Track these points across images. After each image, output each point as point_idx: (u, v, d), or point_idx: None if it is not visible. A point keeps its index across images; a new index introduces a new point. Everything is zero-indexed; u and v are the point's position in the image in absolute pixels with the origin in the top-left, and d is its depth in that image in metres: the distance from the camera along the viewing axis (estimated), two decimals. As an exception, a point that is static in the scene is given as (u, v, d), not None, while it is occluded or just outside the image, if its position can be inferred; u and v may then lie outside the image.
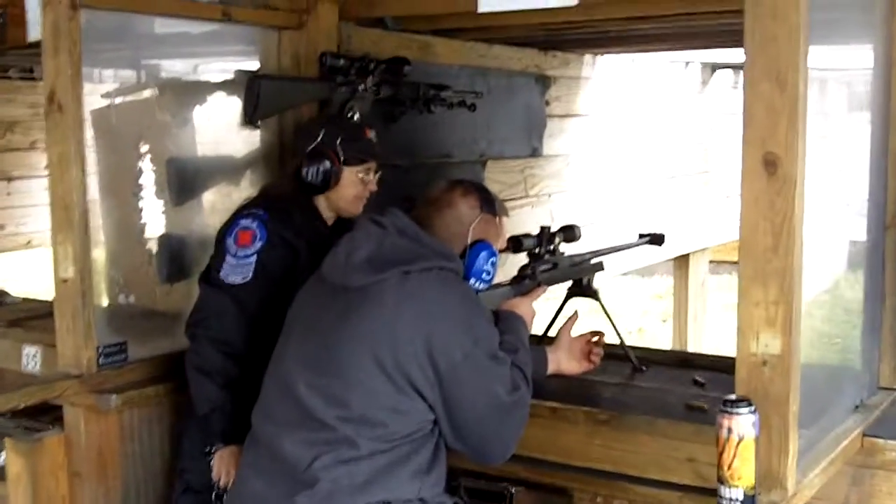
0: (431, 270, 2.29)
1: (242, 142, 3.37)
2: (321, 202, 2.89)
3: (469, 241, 2.45)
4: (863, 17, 2.59)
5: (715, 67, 6.60)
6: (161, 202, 3.21)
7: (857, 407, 2.60)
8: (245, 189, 3.36)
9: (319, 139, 2.83)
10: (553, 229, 2.85)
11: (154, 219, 3.21)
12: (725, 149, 6.79)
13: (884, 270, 2.70)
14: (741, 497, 1.89)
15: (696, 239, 6.38)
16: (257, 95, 3.05)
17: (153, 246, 3.21)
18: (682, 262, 6.71)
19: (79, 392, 2.75)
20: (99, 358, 2.80)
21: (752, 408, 1.87)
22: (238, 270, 2.72)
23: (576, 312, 2.94)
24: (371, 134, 2.93)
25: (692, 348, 6.57)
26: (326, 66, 3.26)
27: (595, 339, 2.92)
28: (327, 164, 2.81)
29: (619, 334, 3.14)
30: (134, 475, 2.90)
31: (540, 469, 2.80)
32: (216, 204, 3.29)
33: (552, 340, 2.97)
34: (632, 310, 9.61)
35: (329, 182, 2.83)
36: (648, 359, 3.20)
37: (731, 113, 6.85)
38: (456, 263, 2.37)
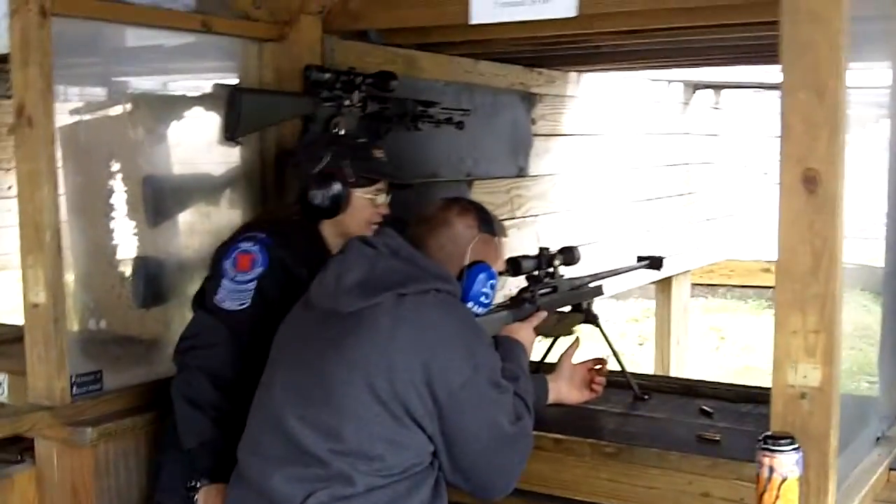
0: (428, 293, 2.15)
1: (222, 159, 3.21)
2: (327, 229, 2.69)
3: (466, 263, 2.30)
4: (881, 30, 2.48)
5: (696, 87, 6.53)
6: (135, 223, 3.03)
7: (878, 439, 2.47)
8: (225, 209, 3.20)
9: (326, 161, 2.65)
10: (551, 251, 2.71)
11: (128, 240, 3.03)
12: (707, 170, 6.73)
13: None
14: (784, 540, 1.75)
15: (679, 262, 6.27)
16: (239, 110, 2.90)
17: (127, 269, 3.03)
18: (664, 284, 6.61)
19: (51, 425, 2.57)
20: (72, 388, 2.63)
21: (796, 445, 1.74)
22: (235, 296, 2.54)
23: (577, 339, 2.80)
24: (379, 153, 2.76)
25: (674, 372, 6.47)
26: (311, 80, 3.11)
27: (597, 366, 2.78)
28: (337, 186, 2.63)
29: (619, 361, 3.00)
30: (110, 513, 2.71)
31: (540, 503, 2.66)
32: (195, 225, 3.12)
33: (550, 367, 2.83)
34: (608, 333, 9.50)
35: (339, 206, 2.64)
36: (649, 386, 3.08)
37: (712, 134, 6.80)
38: (453, 285, 2.23)
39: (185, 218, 3.13)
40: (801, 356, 1.84)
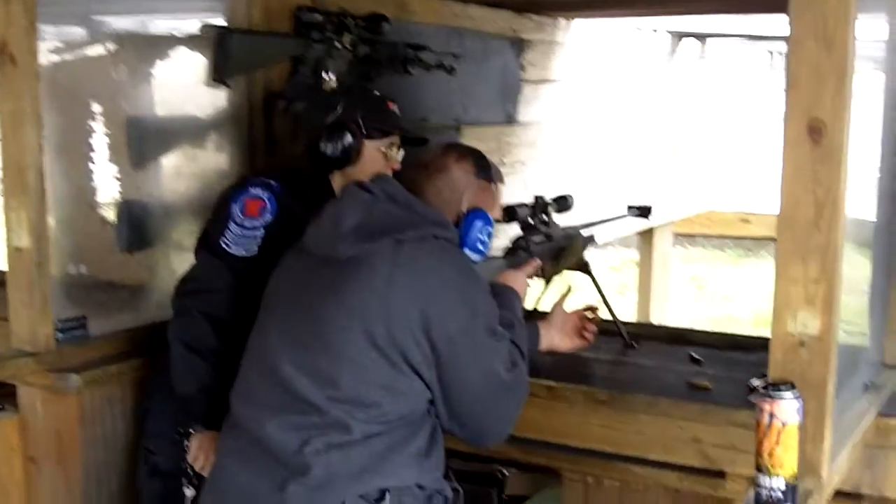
0: (426, 239, 2.11)
1: (208, 101, 3.14)
2: (338, 180, 2.63)
3: (463, 209, 2.27)
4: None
5: (681, 36, 6.48)
6: (119, 166, 2.98)
7: (867, 386, 2.48)
8: (212, 152, 3.15)
9: (339, 111, 2.60)
10: (546, 199, 2.69)
11: (112, 184, 2.98)
12: (691, 121, 6.70)
13: (892, 247, 2.57)
14: (783, 486, 1.75)
15: (662, 212, 6.26)
16: (228, 51, 2.84)
17: (111, 213, 2.98)
18: (646, 234, 6.60)
19: (35, 371, 2.54)
20: (56, 334, 2.59)
21: (797, 392, 1.73)
22: (242, 242, 2.49)
23: (569, 287, 2.79)
24: (394, 107, 2.70)
25: (655, 321, 6.48)
26: (302, 22, 3.05)
27: (588, 314, 2.76)
28: (348, 137, 2.58)
29: (610, 309, 3.00)
30: (95, 460, 2.69)
31: (533, 450, 2.68)
32: (181, 168, 3.08)
33: (542, 315, 2.82)
34: (587, 281, 9.54)
35: (350, 157, 2.59)
36: (638, 334, 3.09)
37: (697, 84, 6.77)
38: (451, 232, 2.20)
39: (170, 161, 3.09)
40: (801, 305, 1.83)
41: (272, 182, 2.55)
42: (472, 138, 4.19)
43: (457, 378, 2.06)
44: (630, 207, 3.04)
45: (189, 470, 2.49)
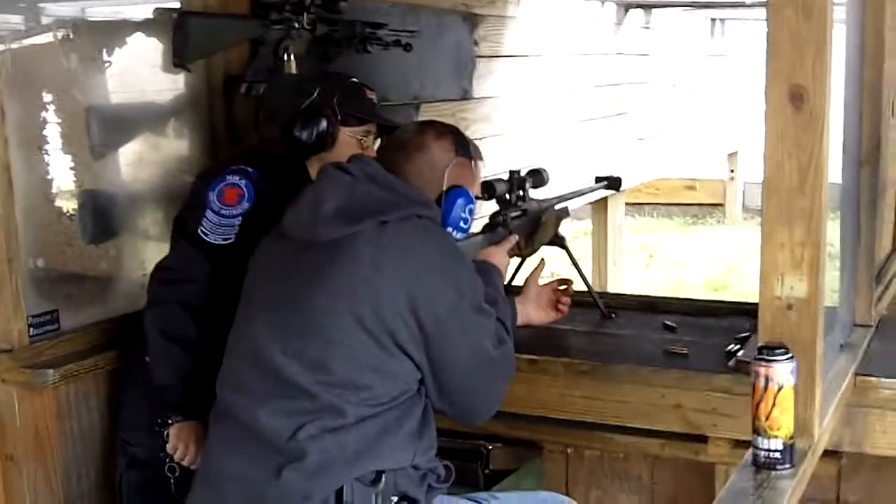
0: (409, 219, 2.10)
1: (167, 87, 3.09)
2: (314, 166, 2.60)
3: (444, 187, 2.25)
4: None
5: (628, 7, 6.52)
6: (80, 156, 2.91)
7: (842, 346, 2.53)
8: (173, 138, 3.09)
9: (315, 96, 2.57)
10: (521, 174, 2.69)
11: (74, 174, 2.91)
12: (639, 90, 6.75)
13: (859, 209, 2.61)
14: (780, 447, 1.79)
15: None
16: (188, 35, 2.78)
17: (74, 204, 2.92)
18: (600, 205, 6.65)
19: (10, 368, 2.48)
20: (29, 329, 2.54)
21: (790, 355, 1.75)
22: (220, 230, 2.45)
23: (542, 260, 2.79)
24: (372, 95, 2.68)
25: (611, 290, 6.54)
26: (260, 3, 3.00)
27: (563, 287, 2.77)
28: (323, 123, 2.55)
29: (586, 281, 3.02)
30: (74, 454, 2.64)
31: (515, 424, 2.71)
32: (143, 155, 3.01)
33: (516, 289, 2.82)
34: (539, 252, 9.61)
35: (324, 143, 2.57)
36: (612, 304, 3.10)
37: (643, 53, 6.82)
38: (434, 211, 2.19)
39: (132, 149, 3.02)
40: (787, 269, 1.86)
41: (249, 169, 2.51)
42: (429, 115, 4.17)
43: (446, 357, 2.06)
44: (598, 179, 3.06)
45: (168, 460, 2.46)
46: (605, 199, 6.55)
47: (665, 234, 10.19)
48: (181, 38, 2.79)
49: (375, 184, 2.13)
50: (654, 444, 2.64)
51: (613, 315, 2.99)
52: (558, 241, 2.87)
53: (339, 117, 2.58)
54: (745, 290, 7.97)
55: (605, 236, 6.68)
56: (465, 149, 2.30)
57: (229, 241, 2.45)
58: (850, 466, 2.55)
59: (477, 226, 2.57)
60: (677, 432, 2.56)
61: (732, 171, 10.59)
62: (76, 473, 2.66)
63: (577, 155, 5.72)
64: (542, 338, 2.75)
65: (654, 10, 6.92)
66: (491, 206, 2.67)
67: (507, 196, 2.62)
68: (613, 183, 3.06)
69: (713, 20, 8.62)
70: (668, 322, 2.94)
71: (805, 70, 1.80)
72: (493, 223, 2.58)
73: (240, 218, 2.46)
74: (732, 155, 10.33)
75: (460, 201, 2.26)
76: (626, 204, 8.13)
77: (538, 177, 2.69)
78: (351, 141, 2.61)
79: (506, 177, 2.64)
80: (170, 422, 2.45)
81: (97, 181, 2.94)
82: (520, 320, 2.64)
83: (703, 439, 2.54)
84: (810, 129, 1.81)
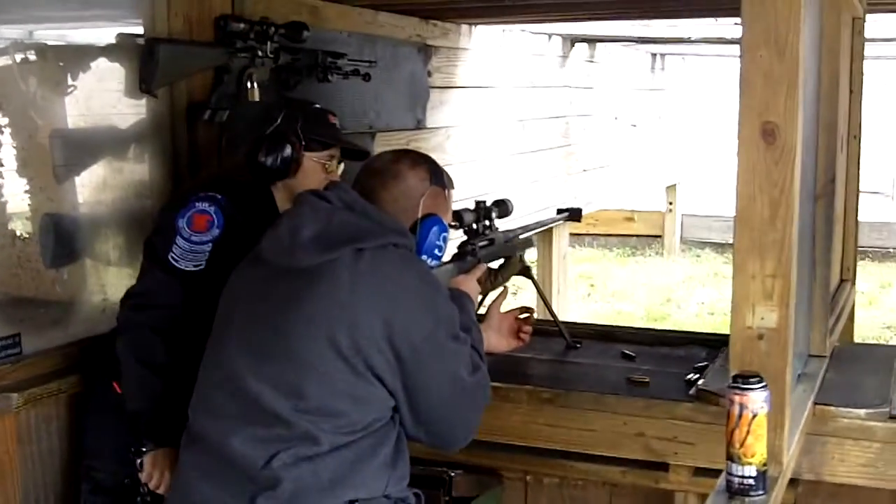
0: (386, 247, 2.12)
1: (130, 112, 3.08)
2: (279, 192, 2.63)
3: (419, 216, 2.29)
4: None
5: (574, 41, 6.64)
6: (39, 179, 2.89)
7: (799, 376, 2.60)
8: (136, 163, 3.08)
9: (279, 122, 2.58)
10: (487, 203, 2.73)
11: (35, 198, 2.89)
12: (583, 122, 6.87)
13: (814, 242, 2.70)
14: (754, 473, 1.83)
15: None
16: (156, 61, 2.80)
17: (34, 228, 2.89)
18: (545, 234, 6.71)
19: (-28, 392, 2.46)
20: (-8, 353, 2.52)
21: (764, 384, 1.80)
22: (190, 257, 2.46)
23: (505, 289, 2.83)
24: (334, 120, 2.70)
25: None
26: (226, 31, 3.02)
27: (524, 315, 2.81)
28: (288, 149, 2.57)
29: (550, 310, 3.07)
30: (34, 480, 2.61)
31: (478, 451, 2.71)
32: (106, 179, 3.00)
33: (479, 318, 2.86)
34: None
35: (289, 168, 2.58)
36: (571, 333, 3.15)
37: (588, 87, 6.93)
38: (410, 239, 2.21)
39: (95, 172, 3.01)
40: (758, 299, 1.92)
41: (218, 196, 2.52)
42: (383, 144, 4.22)
43: (422, 384, 2.07)
44: (560, 210, 3.12)
45: (143, 488, 2.44)
46: (550, 229, 6.62)
47: (605, 265, 10.32)
48: (149, 64, 2.81)
49: (353, 212, 2.16)
50: (614, 471, 2.68)
51: (578, 345, 3.03)
52: (524, 271, 2.91)
53: (303, 143, 2.60)
54: (684, 320, 8.10)
55: (549, 265, 6.74)
56: (440, 178, 2.34)
57: (200, 267, 2.45)
58: (807, 494, 2.60)
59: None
60: (639, 460, 2.60)
61: (671, 203, 10.77)
62: (35, 498, 2.62)
63: (524, 185, 5.79)
64: (506, 365, 2.78)
65: (598, 45, 7.05)
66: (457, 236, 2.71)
67: (475, 225, 2.65)
68: (575, 214, 3.11)
69: (654, 55, 8.80)
70: (626, 351, 2.99)
71: (777, 107, 1.87)
72: (462, 252, 2.61)
73: (210, 245, 2.46)
74: (671, 187, 10.51)
75: (435, 229, 2.29)
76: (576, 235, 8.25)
77: (503, 207, 2.74)
78: (315, 166, 2.63)
79: (473, 206, 2.67)
80: (144, 450, 2.43)
81: (60, 205, 2.92)
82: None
83: (664, 467, 2.58)
84: (781, 165, 1.88)
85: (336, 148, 2.69)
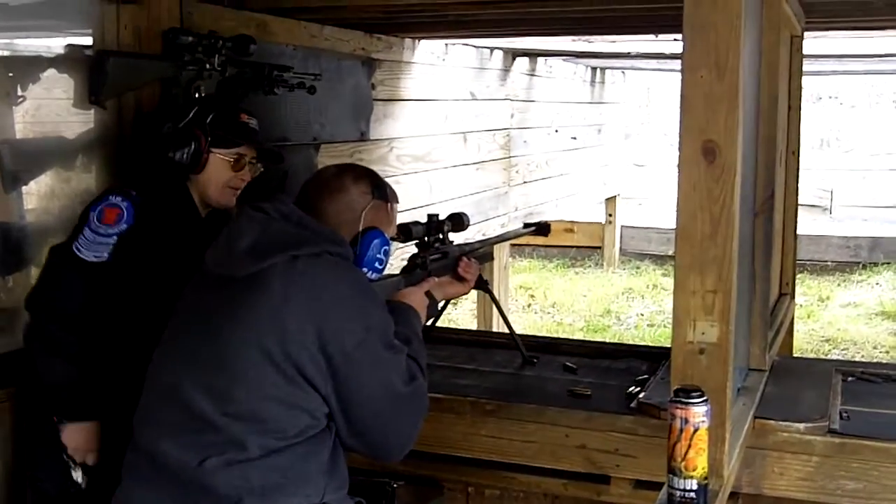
0: (320, 255, 2.16)
1: (78, 122, 3.09)
2: (193, 188, 2.70)
3: (360, 228, 2.33)
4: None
5: (515, 55, 6.72)
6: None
7: (739, 390, 2.67)
8: (84, 173, 3.09)
9: (189, 118, 2.64)
10: (440, 218, 2.77)
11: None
12: (524, 135, 6.95)
13: (754, 257, 2.78)
14: (695, 487, 1.88)
15: (501, 225, 6.47)
16: (105, 73, 2.81)
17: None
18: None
19: (-82, 403, 2.45)
20: (-64, 363, 2.51)
21: (706, 398, 1.86)
22: (93, 247, 2.51)
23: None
24: (247, 118, 2.76)
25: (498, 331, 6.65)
26: (174, 44, 3.04)
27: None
28: (192, 144, 2.63)
29: (508, 324, 3.13)
30: (-25, 491, 2.61)
31: (420, 462, 2.75)
32: (55, 189, 3.01)
33: (441, 331, 2.89)
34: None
35: (196, 163, 2.64)
36: (508, 345, 3.21)
37: (528, 100, 7.03)
38: (345, 249, 2.25)
39: (43, 182, 3.02)
40: (699, 314, 1.97)
41: (132, 192, 2.58)
42: (328, 156, 4.25)
43: (354, 392, 2.10)
44: (526, 224, 3.16)
45: (70, 460, 2.53)
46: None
47: (545, 276, 10.40)
48: (99, 76, 2.81)
49: (289, 222, 2.20)
50: (555, 483, 2.72)
51: (535, 360, 3.08)
52: (481, 285, 2.95)
53: (209, 138, 2.64)
54: (623, 332, 8.21)
55: (490, 276, 6.80)
56: (382, 191, 2.38)
57: (101, 258, 2.51)
58: (746, 508, 2.67)
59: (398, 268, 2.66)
60: (580, 472, 2.65)
61: (611, 214, 10.88)
62: (-24, 511, 2.63)
63: (466, 197, 5.85)
64: (448, 377, 2.83)
65: (538, 58, 7.15)
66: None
67: (426, 239, 2.69)
68: (542, 229, 3.15)
69: (594, 69, 8.93)
70: (568, 363, 3.05)
71: (717, 126, 1.94)
72: (412, 264, 2.66)
73: (114, 237, 2.52)
74: (611, 199, 10.64)
75: (376, 242, 2.33)
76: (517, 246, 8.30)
77: (458, 220, 2.77)
78: (222, 162, 2.69)
79: (424, 220, 2.71)
80: (60, 425, 2.51)
81: (7, 213, 2.93)
82: (439, 297, 2.67)
83: (605, 479, 2.63)
84: (722, 182, 1.94)
85: (248, 147, 2.74)
